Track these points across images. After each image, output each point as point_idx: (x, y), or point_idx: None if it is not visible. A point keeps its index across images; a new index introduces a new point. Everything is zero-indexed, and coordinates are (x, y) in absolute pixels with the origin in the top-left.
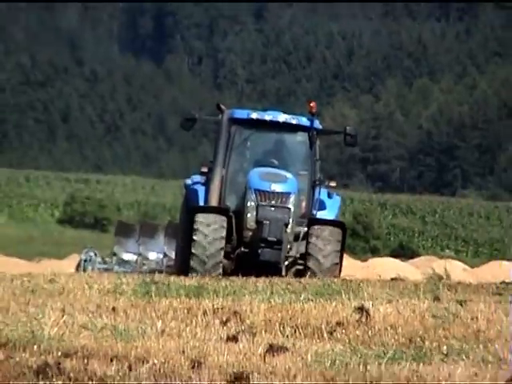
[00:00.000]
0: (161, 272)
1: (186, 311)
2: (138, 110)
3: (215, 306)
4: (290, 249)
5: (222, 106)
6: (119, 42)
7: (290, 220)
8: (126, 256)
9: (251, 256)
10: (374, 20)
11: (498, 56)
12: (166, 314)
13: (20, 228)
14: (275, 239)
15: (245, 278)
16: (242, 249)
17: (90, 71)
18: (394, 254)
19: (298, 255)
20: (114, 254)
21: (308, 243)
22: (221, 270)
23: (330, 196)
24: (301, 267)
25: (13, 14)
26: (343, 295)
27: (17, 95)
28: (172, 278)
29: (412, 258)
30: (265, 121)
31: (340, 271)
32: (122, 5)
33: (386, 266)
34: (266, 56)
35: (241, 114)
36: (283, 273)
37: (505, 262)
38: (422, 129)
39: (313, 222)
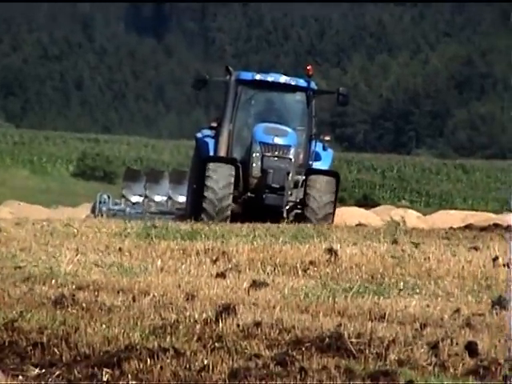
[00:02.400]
0: (171, 213)
1: (181, 252)
2: (140, 80)
3: (206, 247)
4: (290, 194)
5: (230, 68)
6: (125, 22)
7: (291, 169)
8: (134, 198)
9: (257, 200)
10: (342, 5)
11: (447, 36)
12: (164, 254)
13: (40, 180)
14: (278, 186)
15: (234, 223)
16: (249, 194)
17: (99, 47)
18: (359, 204)
19: (297, 200)
20: (123, 197)
21: (305, 193)
22: (229, 212)
23: (324, 148)
24: (299, 211)
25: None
26: (315, 238)
27: (37, 67)
28: (170, 223)
29: (373, 207)
30: (267, 82)
31: (333, 218)
32: None
33: (352, 214)
34: (250, 35)
35: (246, 75)
36: (284, 215)
37: (452, 211)
38: (382, 97)
39: (310, 171)
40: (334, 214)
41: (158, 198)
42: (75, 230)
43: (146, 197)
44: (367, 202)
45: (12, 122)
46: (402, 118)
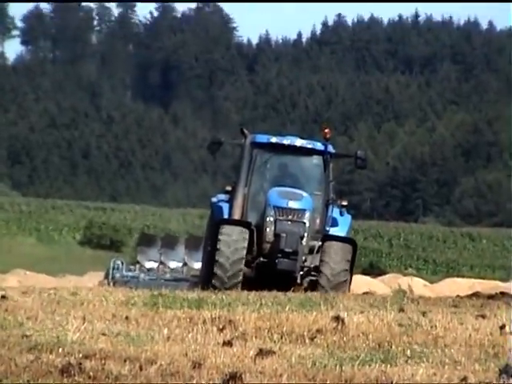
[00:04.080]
0: (185, 280)
1: (188, 320)
2: (147, 148)
3: (213, 316)
4: (305, 260)
5: (246, 131)
6: (132, 91)
7: (305, 233)
8: (148, 264)
9: (269, 265)
10: (349, 73)
11: (454, 104)
12: (171, 323)
13: (47, 248)
14: (291, 250)
15: (242, 291)
16: (262, 259)
17: (106, 115)
18: (365, 272)
19: (312, 266)
20: (138, 263)
21: (320, 260)
22: (241, 277)
23: (341, 214)
24: (314, 278)
25: (41, 67)
26: (322, 306)
27: (44, 136)
28: (176, 291)
29: (380, 275)
30: (283, 145)
31: (350, 286)
32: (135, 59)
33: (359, 282)
34: (256, 103)
35: (262, 138)
36: (298, 281)
37: (458, 279)
38: (389, 165)
39: (326, 237)
40: (349, 282)
41: (173, 265)
42: (82, 299)
43: (160, 263)
44: (374, 271)
45: (19, 191)
46: (409, 185)
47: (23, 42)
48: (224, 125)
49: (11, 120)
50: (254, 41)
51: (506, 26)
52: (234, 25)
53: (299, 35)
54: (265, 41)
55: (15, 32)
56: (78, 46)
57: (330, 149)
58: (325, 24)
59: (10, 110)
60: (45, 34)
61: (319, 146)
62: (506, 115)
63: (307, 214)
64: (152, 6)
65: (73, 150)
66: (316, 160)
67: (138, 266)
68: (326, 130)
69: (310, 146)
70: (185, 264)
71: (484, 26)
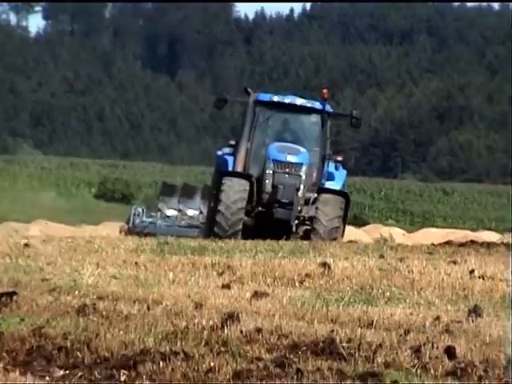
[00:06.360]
0: (197, 227)
1: (191, 265)
2: (155, 112)
3: (213, 262)
4: (301, 211)
5: (249, 90)
6: (141, 60)
7: (301, 186)
8: (169, 212)
9: (267, 214)
10: (335, 45)
11: (429, 72)
12: (175, 268)
13: (65, 201)
14: (287, 201)
15: (240, 239)
16: (260, 208)
17: (118, 82)
18: (350, 223)
19: (307, 216)
20: (159, 210)
21: (315, 208)
22: (241, 226)
23: (337, 169)
24: (308, 227)
25: (60, 39)
26: (311, 253)
27: (63, 100)
28: (181, 240)
29: (363, 225)
30: (284, 103)
31: (343, 235)
32: (144, 32)
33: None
34: (253, 72)
35: (264, 97)
36: (293, 229)
37: (433, 229)
38: (371, 127)
39: (321, 190)
40: (342, 231)
41: (190, 212)
42: (96, 247)
43: (179, 211)
44: (357, 222)
45: (40, 150)
46: (389, 145)
47: (45, 17)
48: (223, 91)
49: (33, 87)
50: (251, 16)
51: (475, 3)
52: (232, 1)
53: (291, 11)
54: (260, 16)
55: (37, 8)
56: (94, 20)
57: (328, 108)
58: (314, 1)
59: (32, 77)
60: (64, 10)
61: (318, 105)
62: (477, 82)
63: (304, 168)
64: None
65: (88, 114)
66: (314, 118)
67: (159, 213)
68: (325, 91)
69: (309, 105)
70: (201, 212)
71: (456, 3)
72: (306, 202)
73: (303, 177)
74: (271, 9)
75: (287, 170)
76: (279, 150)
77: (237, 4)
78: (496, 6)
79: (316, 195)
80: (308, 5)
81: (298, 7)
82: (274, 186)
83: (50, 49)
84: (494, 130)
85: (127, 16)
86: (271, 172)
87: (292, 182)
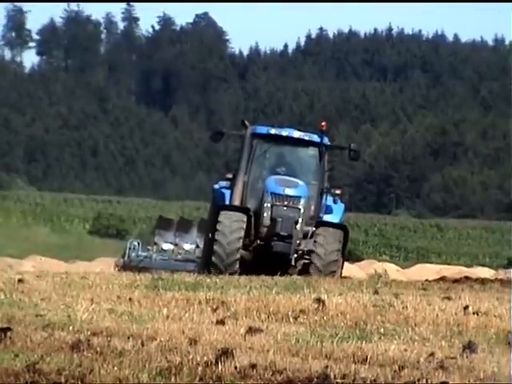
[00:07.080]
0: (193, 261)
1: (185, 301)
2: (149, 148)
3: (207, 297)
4: (300, 244)
5: (246, 123)
6: (135, 96)
7: (300, 219)
8: (165, 246)
9: (266, 248)
10: (330, 80)
11: (423, 108)
12: (170, 303)
13: (59, 237)
14: (286, 234)
15: (231, 276)
16: (259, 242)
17: (113, 118)
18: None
19: (305, 250)
20: (155, 244)
21: (314, 242)
22: (239, 257)
23: (335, 202)
24: (307, 261)
25: (54, 75)
26: (305, 289)
27: (57, 136)
28: (175, 275)
29: (357, 261)
30: (282, 136)
31: (342, 270)
32: (138, 67)
33: None
34: (247, 107)
35: (261, 129)
36: (292, 263)
37: (427, 265)
38: (366, 163)
39: (319, 223)
40: (340, 265)
41: (187, 246)
42: (90, 282)
43: (175, 244)
44: (351, 257)
45: (34, 185)
46: (383, 181)
47: (39, 53)
48: (218, 126)
49: (27, 122)
50: (245, 52)
51: (469, 38)
52: (227, 37)
53: (285, 46)
54: (255, 52)
55: (32, 44)
56: (88, 55)
57: (326, 141)
58: (308, 36)
59: (26, 113)
60: (58, 45)
61: (315, 137)
62: (471, 118)
63: (302, 201)
64: (154, 20)
65: (83, 149)
66: (312, 151)
67: (155, 247)
68: (323, 123)
69: (306, 138)
70: (197, 246)
71: (450, 38)
72: (305, 235)
73: (302, 210)
74: (265, 44)
75: (285, 203)
76: (277, 183)
77: (231, 40)
78: (490, 41)
79: (314, 229)
80: (302, 40)
81: (292, 43)
82: (273, 219)
83: (45, 84)
84: (488, 166)
85: (121, 51)
86: (269, 205)
87: (291, 215)
